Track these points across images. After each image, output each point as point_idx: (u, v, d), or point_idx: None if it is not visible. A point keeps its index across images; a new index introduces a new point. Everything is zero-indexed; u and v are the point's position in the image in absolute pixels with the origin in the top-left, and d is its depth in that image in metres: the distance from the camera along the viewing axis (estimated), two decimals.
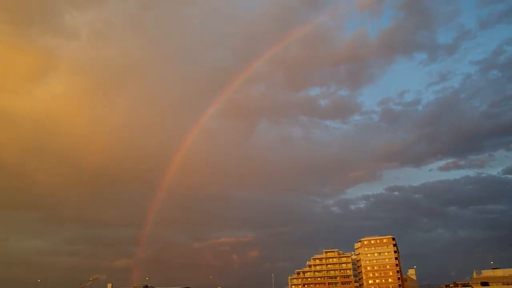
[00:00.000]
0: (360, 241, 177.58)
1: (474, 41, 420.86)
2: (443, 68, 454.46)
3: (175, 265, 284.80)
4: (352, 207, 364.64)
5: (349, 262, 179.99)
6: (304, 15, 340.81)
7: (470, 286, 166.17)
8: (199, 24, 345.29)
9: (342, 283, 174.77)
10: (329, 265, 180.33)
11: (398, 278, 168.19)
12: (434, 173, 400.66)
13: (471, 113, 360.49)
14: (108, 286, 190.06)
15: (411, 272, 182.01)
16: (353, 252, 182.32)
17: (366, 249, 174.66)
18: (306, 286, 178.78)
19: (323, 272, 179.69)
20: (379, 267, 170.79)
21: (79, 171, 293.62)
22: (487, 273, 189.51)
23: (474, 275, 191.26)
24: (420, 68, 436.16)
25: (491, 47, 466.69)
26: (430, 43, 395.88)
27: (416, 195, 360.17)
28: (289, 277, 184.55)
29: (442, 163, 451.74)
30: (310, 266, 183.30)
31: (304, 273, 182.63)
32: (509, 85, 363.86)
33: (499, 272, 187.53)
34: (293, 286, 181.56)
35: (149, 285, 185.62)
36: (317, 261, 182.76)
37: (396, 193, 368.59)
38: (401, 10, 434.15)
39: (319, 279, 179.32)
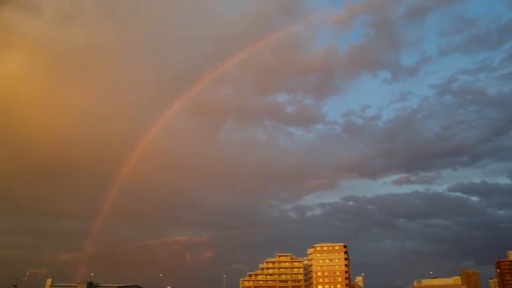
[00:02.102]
0: (313, 247, 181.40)
1: (433, 67, 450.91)
2: (404, 88, 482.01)
3: (124, 262, 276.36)
4: (308, 213, 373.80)
5: (301, 267, 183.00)
6: (280, 22, 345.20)
7: None
8: (175, 19, 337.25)
9: (293, 287, 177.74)
10: (281, 269, 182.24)
11: (346, 285, 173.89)
12: (387, 186, 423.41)
13: (425, 133, 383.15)
14: (47, 281, 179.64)
15: (359, 280, 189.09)
16: (305, 257, 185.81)
17: (318, 255, 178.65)
18: None
19: (275, 275, 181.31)
20: (329, 273, 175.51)
21: (31, 157, 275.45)
22: (426, 282, 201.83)
23: (415, 284, 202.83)
24: (383, 85, 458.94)
25: (447, 73, 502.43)
26: (395, 64, 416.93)
27: (369, 206, 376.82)
28: (241, 279, 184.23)
29: (395, 177, 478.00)
30: (262, 269, 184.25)
31: (256, 276, 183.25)
32: (460, 111, 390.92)
33: (436, 281, 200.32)
34: None
35: (94, 281, 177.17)
36: (270, 264, 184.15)
37: (351, 203, 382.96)
38: (372, 29, 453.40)
39: (270, 282, 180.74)
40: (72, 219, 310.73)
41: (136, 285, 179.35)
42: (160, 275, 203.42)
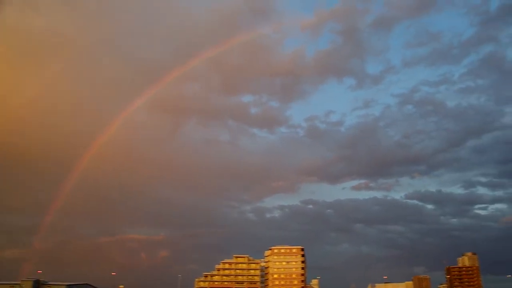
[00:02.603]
0: (270, 249, 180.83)
1: (397, 77, 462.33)
2: (368, 96, 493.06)
3: (76, 259, 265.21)
4: (268, 215, 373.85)
5: (257, 269, 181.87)
6: (250, 23, 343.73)
7: None
8: (142, 13, 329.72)
9: None
10: (238, 270, 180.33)
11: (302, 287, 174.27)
12: (346, 191, 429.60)
13: (386, 141, 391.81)
14: None
15: (314, 283, 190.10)
16: (263, 259, 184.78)
17: (275, 257, 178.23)
18: None
19: (231, 276, 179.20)
20: (286, 275, 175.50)
21: None
22: (379, 286, 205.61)
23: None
24: (348, 92, 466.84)
25: (410, 84, 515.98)
26: (360, 71, 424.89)
27: (328, 210, 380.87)
28: (196, 280, 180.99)
29: (355, 183, 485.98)
30: (218, 269, 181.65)
31: (212, 276, 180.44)
32: (421, 121, 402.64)
33: (390, 286, 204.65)
34: None
35: (41, 279, 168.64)
36: (227, 265, 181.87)
37: (311, 206, 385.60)
38: (339, 37, 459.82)
39: (226, 283, 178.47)
40: (20, 214, 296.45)
41: (87, 284, 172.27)
42: (113, 273, 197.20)
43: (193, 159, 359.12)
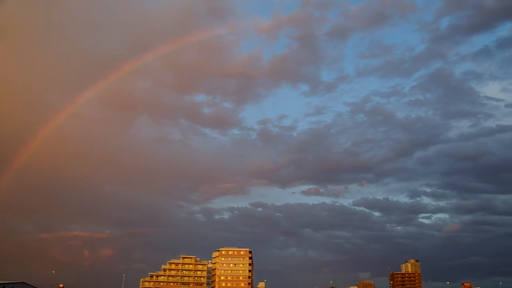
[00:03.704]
0: (218, 251, 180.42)
1: (350, 85, 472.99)
2: (321, 103, 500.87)
3: (12, 257, 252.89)
4: (217, 216, 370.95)
5: (204, 270, 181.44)
6: (207, 23, 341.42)
7: None
8: (96, 5, 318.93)
9: None
10: (184, 271, 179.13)
11: None
12: (296, 196, 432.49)
13: (336, 148, 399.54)
14: None
15: (261, 285, 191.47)
16: (210, 261, 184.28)
17: (223, 259, 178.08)
18: None
19: (178, 277, 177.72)
20: (232, 277, 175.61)
21: None
22: None
23: None
24: (301, 98, 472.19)
25: (362, 93, 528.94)
26: (314, 78, 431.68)
27: (277, 214, 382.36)
28: (141, 280, 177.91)
29: (305, 187, 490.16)
30: (165, 270, 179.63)
31: (157, 277, 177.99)
32: (370, 130, 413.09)
33: None
34: None
35: None
36: (173, 266, 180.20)
37: (260, 209, 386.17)
38: (295, 42, 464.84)
39: (172, 284, 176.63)
40: None
41: (23, 282, 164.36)
42: (53, 271, 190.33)
43: (143, 157, 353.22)
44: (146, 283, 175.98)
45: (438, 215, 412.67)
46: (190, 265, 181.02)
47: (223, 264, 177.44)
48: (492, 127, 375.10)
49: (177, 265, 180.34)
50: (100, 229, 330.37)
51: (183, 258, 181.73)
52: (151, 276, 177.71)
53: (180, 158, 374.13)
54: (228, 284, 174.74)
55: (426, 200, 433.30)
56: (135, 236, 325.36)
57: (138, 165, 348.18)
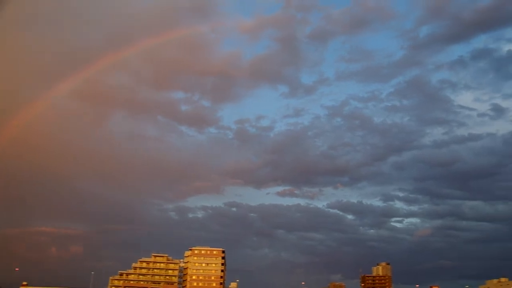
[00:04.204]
0: (190, 250, 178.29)
1: (329, 89, 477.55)
2: (299, 105, 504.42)
3: None
4: (190, 215, 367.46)
5: (176, 269, 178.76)
6: (189, 20, 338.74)
7: None
8: None
9: None
10: (155, 270, 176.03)
11: None
12: (271, 196, 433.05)
13: (313, 150, 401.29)
14: None
15: (233, 285, 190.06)
16: (182, 260, 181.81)
17: (195, 258, 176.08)
18: None
19: (148, 276, 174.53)
20: (204, 277, 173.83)
21: None
22: None
23: None
24: (280, 99, 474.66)
25: (341, 97, 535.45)
26: (294, 80, 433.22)
27: (252, 214, 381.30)
28: (110, 278, 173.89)
29: (280, 189, 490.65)
30: (135, 268, 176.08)
31: (127, 275, 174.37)
32: (347, 134, 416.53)
33: None
34: None
35: None
36: (144, 264, 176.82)
37: (234, 209, 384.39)
38: (277, 43, 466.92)
39: (142, 282, 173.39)
40: None
41: None
42: (16, 269, 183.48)
43: (117, 152, 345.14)
44: (116, 281, 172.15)
45: (410, 219, 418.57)
46: (162, 264, 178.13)
47: (195, 263, 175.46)
48: (464, 135, 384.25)
49: (148, 263, 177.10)
50: (69, 225, 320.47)
51: (155, 256, 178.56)
52: (121, 275, 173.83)
53: (155, 155, 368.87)
54: (200, 284, 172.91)
55: (398, 204, 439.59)
56: (107, 233, 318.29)
57: (112, 161, 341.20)
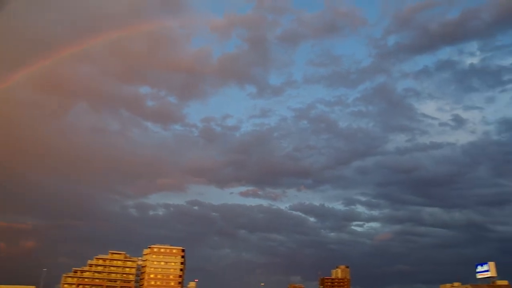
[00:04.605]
0: (150, 248, 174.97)
1: (297, 91, 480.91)
2: (266, 106, 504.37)
3: None
4: (151, 212, 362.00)
5: (134, 267, 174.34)
6: (159, 14, 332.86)
7: None
8: None
9: (122, 287, 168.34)
10: (112, 267, 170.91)
11: None
12: (234, 196, 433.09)
13: (278, 151, 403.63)
14: None
15: (192, 285, 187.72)
16: (140, 258, 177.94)
17: (154, 256, 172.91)
18: (81, 286, 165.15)
19: (104, 273, 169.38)
20: (163, 276, 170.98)
21: None
22: None
23: None
24: (248, 99, 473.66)
25: (308, 100, 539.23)
26: (262, 81, 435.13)
27: (214, 214, 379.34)
28: (64, 275, 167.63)
29: (243, 189, 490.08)
30: (91, 265, 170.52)
31: (82, 272, 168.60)
32: (313, 137, 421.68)
33: None
34: (66, 286, 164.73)
35: None
36: (100, 261, 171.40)
37: (196, 207, 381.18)
38: (246, 43, 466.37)
39: (97, 280, 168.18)
40: None
41: None
42: None
43: (78, 145, 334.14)
44: (69, 278, 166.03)
45: (370, 223, 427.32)
46: (119, 262, 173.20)
47: (154, 261, 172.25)
48: (426, 143, 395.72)
49: (105, 260, 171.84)
50: (21, 219, 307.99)
51: (112, 253, 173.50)
52: (75, 272, 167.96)
53: (118, 150, 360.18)
54: (158, 283, 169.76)
55: (360, 208, 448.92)
56: (62, 228, 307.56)
57: (72, 154, 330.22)
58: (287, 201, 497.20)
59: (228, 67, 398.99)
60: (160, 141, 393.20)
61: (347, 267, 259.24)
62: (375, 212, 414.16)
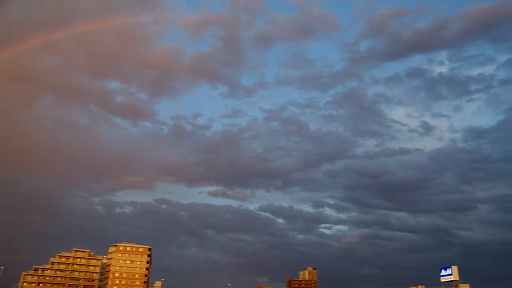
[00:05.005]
0: (115, 246, 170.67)
1: (268, 92, 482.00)
2: (238, 106, 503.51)
3: None
4: (118, 210, 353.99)
5: (98, 265, 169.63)
6: (131, 8, 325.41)
7: None
8: None
9: (85, 286, 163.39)
10: (75, 265, 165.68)
11: None
12: (203, 196, 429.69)
13: (248, 152, 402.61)
14: None
15: (157, 285, 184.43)
16: (105, 256, 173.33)
17: (120, 254, 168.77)
18: (41, 285, 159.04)
19: (67, 272, 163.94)
20: (128, 275, 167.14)
21: None
22: None
23: None
24: (219, 98, 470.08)
25: (279, 102, 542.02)
26: (234, 81, 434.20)
27: (182, 213, 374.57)
28: (23, 274, 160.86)
29: (212, 188, 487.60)
30: (53, 263, 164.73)
31: (43, 271, 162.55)
32: (283, 138, 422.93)
33: None
34: (25, 284, 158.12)
35: None
36: (63, 259, 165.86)
37: (164, 206, 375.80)
38: (220, 42, 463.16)
39: (59, 279, 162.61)
40: None
41: None
42: None
43: (42, 139, 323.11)
44: (29, 277, 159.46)
45: (338, 226, 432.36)
46: (83, 260, 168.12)
47: (119, 260, 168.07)
48: (395, 148, 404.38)
49: (68, 258, 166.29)
50: None
51: (76, 251, 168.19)
52: (36, 270, 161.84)
53: (85, 145, 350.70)
54: (123, 282, 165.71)
55: (328, 211, 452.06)
56: (22, 224, 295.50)
57: (35, 148, 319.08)
58: (256, 201, 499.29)
59: (200, 65, 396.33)
60: (129, 137, 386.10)
61: (315, 269, 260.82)
62: (343, 215, 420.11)
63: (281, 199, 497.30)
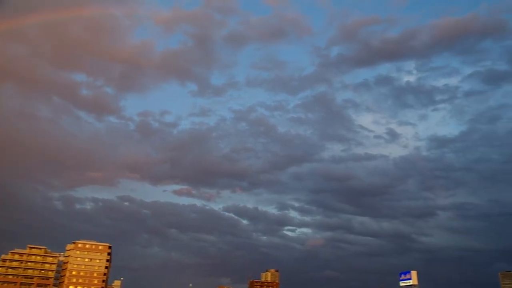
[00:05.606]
0: (74, 243, 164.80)
1: (238, 93, 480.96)
2: (206, 105, 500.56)
3: None
4: (78, 206, 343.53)
5: (54, 263, 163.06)
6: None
7: None
8: None
9: (39, 284, 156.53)
10: (30, 263, 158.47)
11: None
12: (167, 194, 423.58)
13: (215, 152, 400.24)
14: None
15: (117, 283, 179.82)
16: (63, 253, 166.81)
17: (78, 252, 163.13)
18: None
19: (20, 270, 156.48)
20: (86, 273, 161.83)
21: None
22: None
23: None
24: (188, 97, 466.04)
25: (248, 103, 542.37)
26: (204, 79, 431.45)
27: (145, 211, 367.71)
28: None
29: (177, 187, 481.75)
30: (5, 260, 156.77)
31: None
32: (251, 139, 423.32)
33: None
34: None
35: None
36: (17, 256, 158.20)
37: (127, 203, 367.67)
38: (191, 40, 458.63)
39: (11, 277, 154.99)
40: None
41: None
42: None
43: (0, 129, 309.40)
44: None
45: (302, 229, 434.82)
46: (38, 257, 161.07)
47: (77, 258, 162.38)
48: (361, 154, 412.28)
49: (22, 255, 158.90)
50: None
51: (30, 248, 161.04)
52: None
53: (46, 138, 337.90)
54: (80, 280, 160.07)
55: (293, 213, 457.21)
56: None
57: None
58: (221, 202, 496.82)
59: (170, 62, 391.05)
60: (93, 132, 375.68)
61: (277, 271, 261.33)
62: (307, 218, 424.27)
63: (247, 200, 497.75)
